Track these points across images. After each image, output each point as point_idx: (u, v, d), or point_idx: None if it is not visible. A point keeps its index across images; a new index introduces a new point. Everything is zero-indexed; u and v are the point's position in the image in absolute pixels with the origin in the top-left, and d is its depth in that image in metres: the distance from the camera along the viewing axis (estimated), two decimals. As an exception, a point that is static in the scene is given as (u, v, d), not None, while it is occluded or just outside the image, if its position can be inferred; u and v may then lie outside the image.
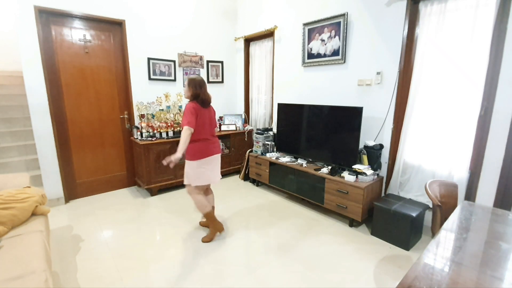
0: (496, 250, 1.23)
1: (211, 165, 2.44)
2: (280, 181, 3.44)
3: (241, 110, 4.74)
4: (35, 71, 2.90)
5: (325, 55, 3.20)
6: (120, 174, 3.72)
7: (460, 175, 2.33)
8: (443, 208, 1.71)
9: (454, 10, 2.25)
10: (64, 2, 2.99)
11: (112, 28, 3.40)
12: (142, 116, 3.57)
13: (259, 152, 3.79)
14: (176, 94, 3.86)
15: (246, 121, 4.62)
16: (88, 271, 2.04)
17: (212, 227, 2.49)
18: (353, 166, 2.75)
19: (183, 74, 4.07)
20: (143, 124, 3.48)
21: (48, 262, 1.54)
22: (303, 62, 3.47)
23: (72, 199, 3.37)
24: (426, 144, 2.54)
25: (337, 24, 3.00)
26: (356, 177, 2.66)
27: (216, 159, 2.48)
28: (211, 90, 4.41)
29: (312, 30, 3.28)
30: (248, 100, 4.65)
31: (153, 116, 3.61)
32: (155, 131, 3.48)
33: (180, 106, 3.90)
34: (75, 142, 3.32)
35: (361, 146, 2.86)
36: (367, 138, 2.91)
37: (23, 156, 3.40)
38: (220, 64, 4.48)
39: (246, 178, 4.11)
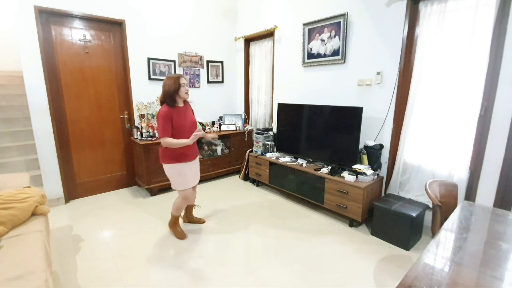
0: (496, 250, 1.23)
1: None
2: (280, 181, 3.44)
3: (241, 110, 4.74)
4: (35, 71, 2.90)
5: (325, 55, 3.20)
6: (120, 174, 3.72)
7: (460, 175, 2.33)
8: (443, 208, 1.71)
9: (454, 10, 2.25)
10: (64, 2, 2.99)
11: (112, 28, 3.40)
12: (142, 116, 3.57)
13: (259, 152, 3.79)
14: (176, 94, 3.86)
15: (246, 121, 4.62)
16: (88, 271, 2.04)
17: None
18: (353, 166, 2.75)
19: (183, 74, 4.07)
20: (143, 124, 3.48)
21: (48, 262, 1.54)
22: (303, 62, 3.47)
23: (72, 199, 3.37)
24: (426, 144, 2.54)
25: (337, 24, 3.00)
26: (356, 177, 2.66)
27: None
28: (211, 90, 4.48)
29: (312, 30, 3.28)
30: (248, 100, 4.65)
31: (153, 116, 3.62)
32: (155, 131, 3.48)
33: (180, 106, 3.90)
34: (75, 142, 3.32)
35: (361, 146, 2.86)
36: (367, 138, 2.91)
37: (23, 156, 3.40)
38: (220, 64, 4.48)
39: (246, 178, 4.11)
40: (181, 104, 2.28)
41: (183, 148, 2.24)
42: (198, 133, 2.16)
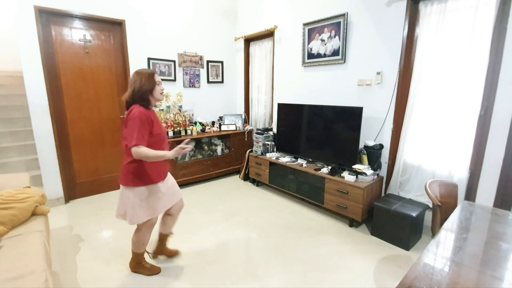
0: (496, 250, 1.23)
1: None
2: (280, 181, 3.44)
3: (241, 110, 4.74)
4: (35, 71, 2.90)
5: (325, 55, 3.20)
6: (120, 174, 3.71)
7: (460, 175, 2.33)
8: (443, 208, 1.71)
9: (454, 10, 2.25)
10: (64, 2, 2.99)
11: (112, 28, 3.40)
12: (142, 116, 3.56)
13: (259, 152, 3.79)
14: (176, 94, 3.86)
15: (246, 121, 4.62)
16: (88, 271, 2.04)
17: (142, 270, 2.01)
18: (353, 166, 2.75)
19: (183, 74, 4.07)
20: (143, 124, 3.47)
21: (48, 262, 1.54)
22: (303, 62, 3.47)
23: (72, 199, 3.37)
24: (426, 144, 2.54)
25: (337, 24, 3.00)
26: (356, 177, 2.66)
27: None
28: (211, 90, 4.48)
29: (312, 30, 3.28)
30: (248, 100, 4.65)
31: (153, 116, 3.61)
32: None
33: (180, 106, 3.90)
34: (75, 142, 3.32)
35: (361, 146, 2.86)
36: (367, 138, 2.91)
37: (23, 156, 3.40)
38: (220, 64, 4.48)
39: (246, 178, 4.11)
40: (153, 108, 1.82)
41: (162, 163, 1.82)
42: (187, 146, 1.65)
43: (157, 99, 1.78)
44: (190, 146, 1.67)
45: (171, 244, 2.24)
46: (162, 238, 2.12)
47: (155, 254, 2.16)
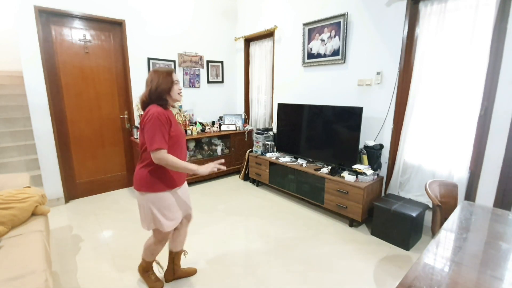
0: (496, 250, 1.23)
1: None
2: (280, 181, 3.44)
3: (241, 110, 4.74)
4: (35, 71, 2.90)
5: (325, 55, 3.20)
6: (120, 174, 3.72)
7: (460, 175, 2.33)
8: (443, 208, 1.71)
9: (454, 10, 2.26)
10: (64, 2, 2.99)
11: (112, 28, 3.40)
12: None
13: (259, 152, 3.79)
14: (176, 94, 3.86)
15: (246, 121, 4.62)
16: (88, 271, 2.04)
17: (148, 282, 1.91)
18: (353, 166, 2.75)
19: (183, 74, 4.07)
20: (143, 124, 3.47)
21: (48, 262, 1.54)
22: (303, 62, 3.47)
23: (72, 199, 3.37)
24: (426, 144, 2.54)
25: (337, 24, 3.00)
26: (356, 177, 2.66)
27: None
28: (211, 90, 4.47)
29: (312, 30, 3.28)
30: (248, 100, 4.65)
31: (153, 116, 3.61)
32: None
33: (180, 106, 3.90)
34: (75, 142, 3.32)
35: (361, 146, 2.86)
36: (367, 138, 2.91)
37: (23, 156, 3.40)
38: (220, 64, 4.48)
39: (246, 178, 4.11)
40: (170, 108, 1.70)
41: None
42: (221, 166, 1.64)
43: (175, 99, 1.66)
44: (224, 167, 1.67)
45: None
46: (174, 257, 1.91)
47: (168, 277, 1.92)
